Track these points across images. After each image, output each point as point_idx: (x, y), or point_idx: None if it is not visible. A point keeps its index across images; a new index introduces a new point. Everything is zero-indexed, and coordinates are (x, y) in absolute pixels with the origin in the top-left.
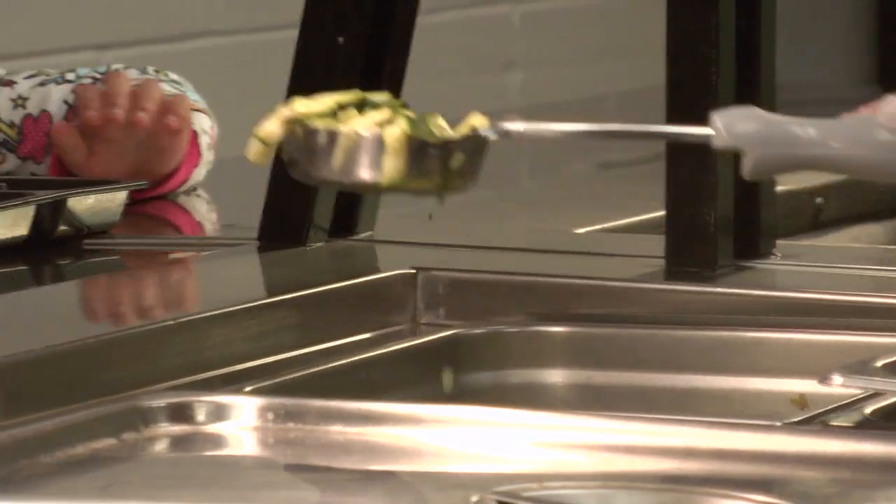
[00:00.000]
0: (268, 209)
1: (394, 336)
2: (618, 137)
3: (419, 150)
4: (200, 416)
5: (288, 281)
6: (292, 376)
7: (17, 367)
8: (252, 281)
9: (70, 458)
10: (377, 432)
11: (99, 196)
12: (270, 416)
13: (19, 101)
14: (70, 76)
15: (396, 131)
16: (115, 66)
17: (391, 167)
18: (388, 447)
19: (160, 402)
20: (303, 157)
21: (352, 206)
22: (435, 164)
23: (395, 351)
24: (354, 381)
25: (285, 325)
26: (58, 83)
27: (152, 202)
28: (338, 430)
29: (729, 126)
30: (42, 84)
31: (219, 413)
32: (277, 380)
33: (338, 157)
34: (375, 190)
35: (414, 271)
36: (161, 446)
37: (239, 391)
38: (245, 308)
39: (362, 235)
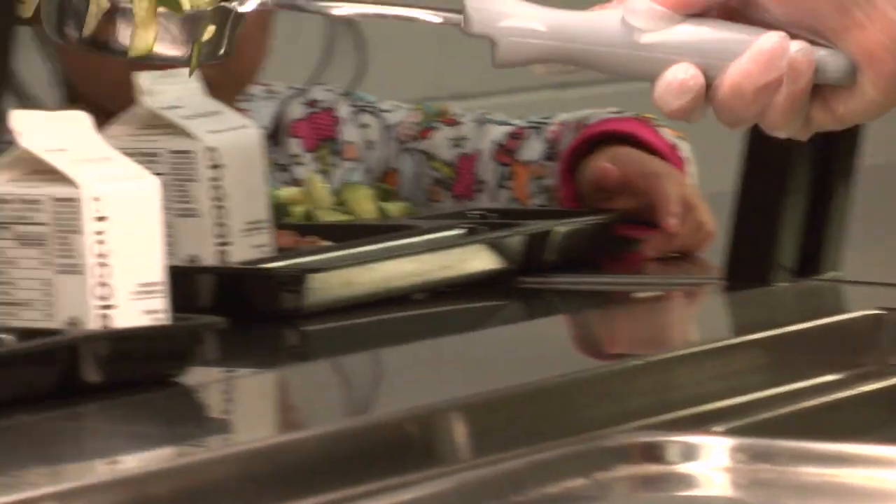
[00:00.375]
0: (733, 249)
1: (862, 377)
2: (369, 19)
3: (169, 21)
4: (672, 455)
5: (754, 321)
6: (761, 416)
7: (488, 406)
8: (718, 321)
9: (542, 497)
10: (851, 474)
11: (580, 227)
12: (742, 456)
13: (459, 141)
14: (515, 121)
15: (144, 3)
16: (561, 116)
17: (140, 38)
18: (863, 489)
19: (630, 440)
20: (57, 20)
21: (817, 246)
22: (185, 36)
23: (865, 392)
24: (824, 422)
25: (752, 366)
26: (498, 124)
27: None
28: (810, 472)
29: (477, 12)
30: (482, 123)
31: (690, 453)
32: (746, 420)
33: (89, 25)
34: (125, 58)
35: (881, 312)
36: (633, 486)
37: (708, 431)
38: (713, 348)
39: (828, 275)
